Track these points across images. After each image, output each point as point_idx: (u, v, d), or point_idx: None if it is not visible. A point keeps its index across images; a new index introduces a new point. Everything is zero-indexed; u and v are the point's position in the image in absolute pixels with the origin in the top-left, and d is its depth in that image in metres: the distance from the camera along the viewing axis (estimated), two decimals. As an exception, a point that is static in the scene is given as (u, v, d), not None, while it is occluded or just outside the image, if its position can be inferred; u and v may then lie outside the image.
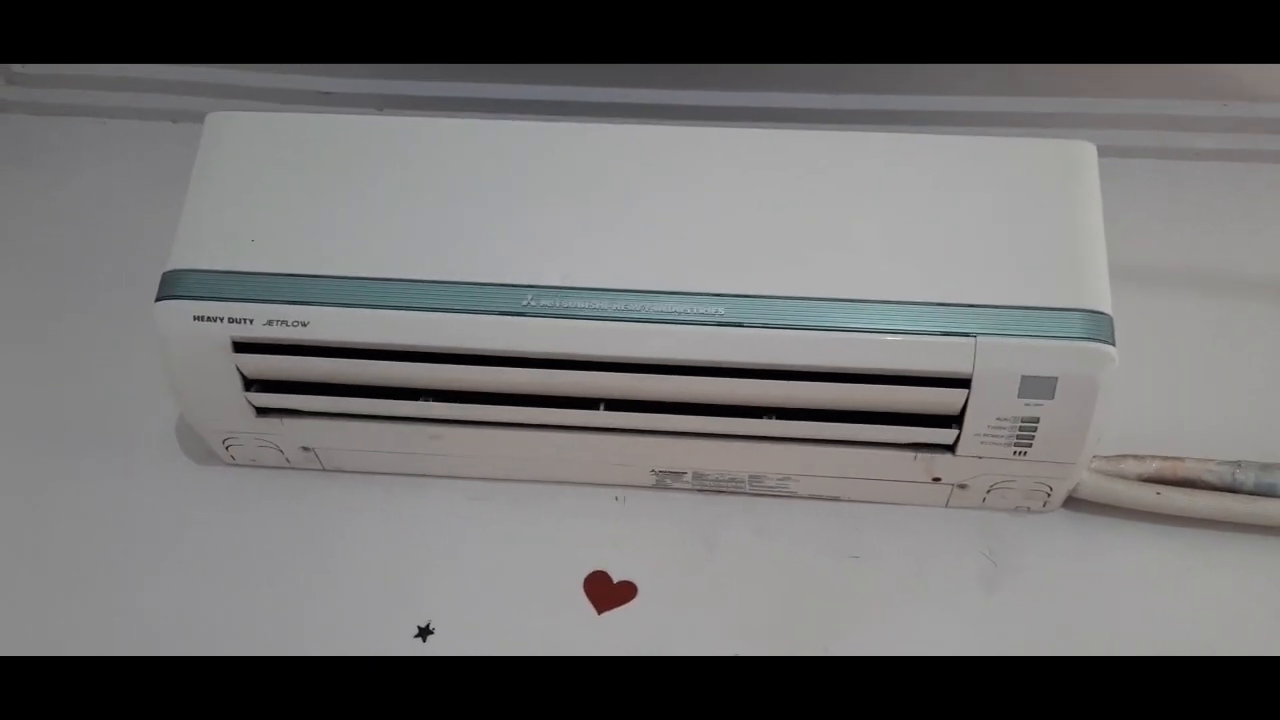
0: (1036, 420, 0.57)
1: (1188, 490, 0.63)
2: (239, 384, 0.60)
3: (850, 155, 0.61)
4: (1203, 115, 0.77)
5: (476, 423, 0.61)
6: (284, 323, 0.57)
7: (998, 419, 0.57)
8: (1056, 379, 0.55)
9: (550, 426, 0.61)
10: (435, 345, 0.58)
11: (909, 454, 0.60)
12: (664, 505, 0.66)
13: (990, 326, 0.55)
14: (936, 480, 0.62)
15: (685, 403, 0.59)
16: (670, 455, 0.63)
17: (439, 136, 0.62)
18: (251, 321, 0.57)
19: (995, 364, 0.55)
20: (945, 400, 0.57)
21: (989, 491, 0.63)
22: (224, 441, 0.65)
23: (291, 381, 0.60)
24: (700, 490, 0.66)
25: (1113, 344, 0.55)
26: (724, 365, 0.57)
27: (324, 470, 0.68)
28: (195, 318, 0.58)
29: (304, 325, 0.57)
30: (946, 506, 0.65)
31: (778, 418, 0.59)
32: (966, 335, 0.55)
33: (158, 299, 0.59)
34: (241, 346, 0.58)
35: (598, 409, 0.59)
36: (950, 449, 0.60)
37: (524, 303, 0.57)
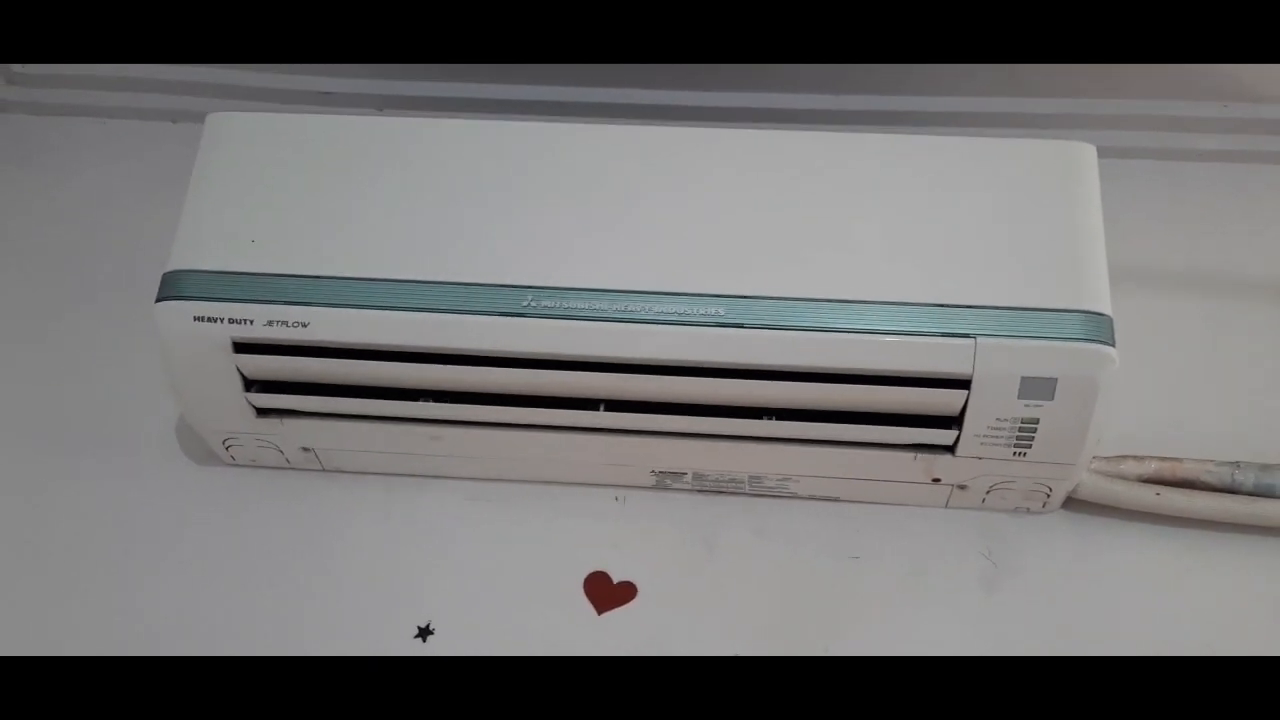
0: (1036, 421, 0.57)
1: (1187, 491, 0.63)
2: (239, 384, 0.60)
3: (850, 156, 0.61)
4: (1203, 116, 0.77)
5: (476, 423, 0.61)
6: (284, 323, 0.57)
7: (997, 420, 0.57)
8: (1056, 380, 0.55)
9: (550, 427, 0.61)
10: (435, 346, 0.58)
11: (909, 455, 0.60)
12: (664, 506, 0.66)
13: (990, 327, 0.55)
14: (936, 481, 0.63)
15: (685, 403, 0.59)
16: (670, 456, 0.63)
17: (439, 137, 0.62)
18: (252, 322, 0.57)
19: (995, 365, 0.55)
20: (945, 401, 0.57)
21: (988, 492, 0.63)
22: (224, 442, 0.65)
23: (292, 382, 0.60)
24: (700, 491, 0.66)
25: (1113, 345, 0.55)
26: (724, 366, 0.57)
27: (324, 470, 0.68)
28: (195, 318, 0.58)
29: (304, 326, 0.57)
30: (946, 507, 0.65)
31: (777, 418, 0.59)
32: (966, 336, 0.55)
33: (158, 299, 0.59)
34: (242, 347, 0.58)
35: (598, 409, 0.59)
36: (950, 450, 0.60)
37: (524, 303, 0.57)
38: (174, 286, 0.59)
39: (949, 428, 0.58)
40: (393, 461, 0.66)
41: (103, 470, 0.68)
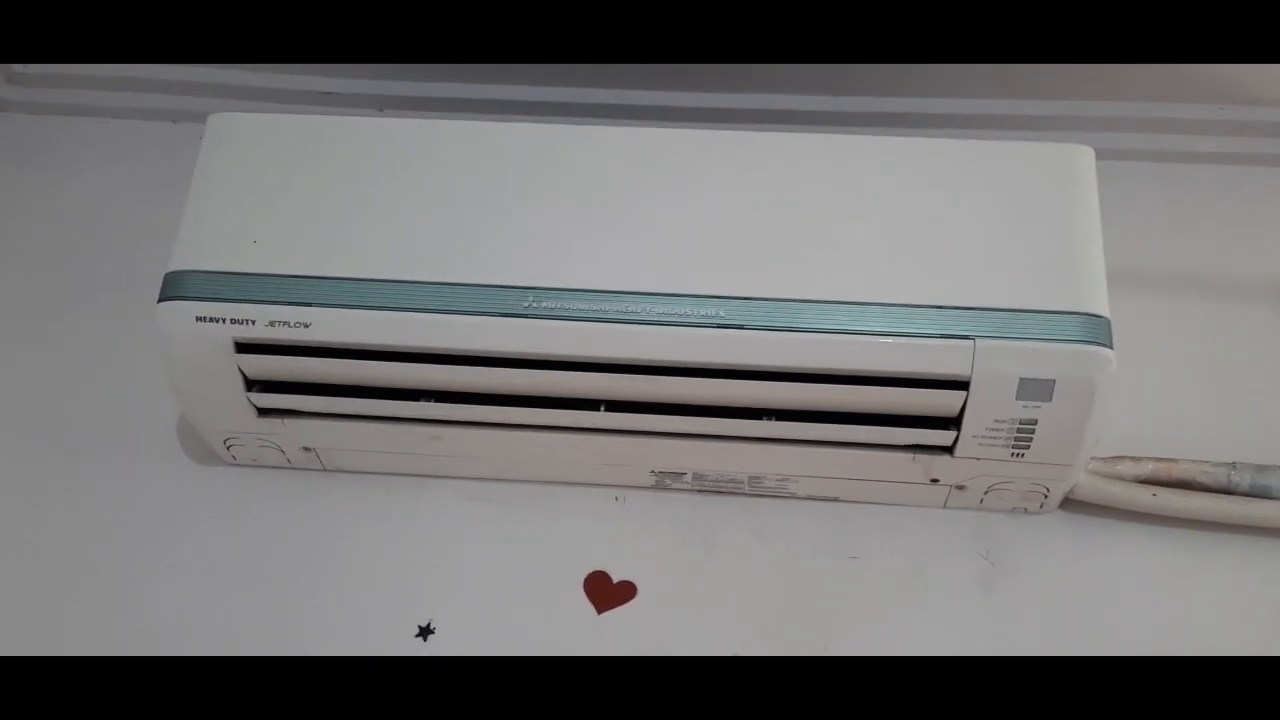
0: (1034, 422, 0.57)
1: (1183, 492, 0.63)
2: (241, 384, 0.60)
3: (849, 158, 0.61)
4: (1200, 119, 0.77)
5: (477, 423, 0.62)
6: (286, 324, 0.58)
7: (996, 421, 0.57)
8: (1054, 381, 0.56)
9: (550, 427, 0.61)
10: (436, 346, 0.58)
11: (907, 455, 0.61)
12: (663, 506, 0.66)
13: (989, 329, 0.56)
14: (935, 481, 0.63)
15: (685, 404, 0.59)
16: (670, 456, 0.63)
17: (440, 138, 0.62)
18: (253, 322, 0.58)
19: (993, 366, 0.56)
20: (944, 402, 0.57)
21: (987, 493, 0.63)
22: (225, 442, 0.65)
23: (293, 382, 0.61)
24: (699, 491, 0.67)
25: (1110, 347, 0.56)
26: (724, 367, 0.57)
27: (325, 470, 0.68)
28: (197, 318, 0.58)
29: (306, 326, 0.58)
30: (944, 507, 0.66)
31: (777, 419, 0.59)
32: (965, 338, 0.56)
33: (160, 300, 0.59)
34: (243, 347, 0.58)
35: (598, 410, 0.60)
36: (948, 450, 0.60)
37: (525, 304, 0.57)
38: (176, 287, 0.59)
39: (947, 429, 0.58)
40: (393, 461, 0.66)
41: (103, 470, 0.68)
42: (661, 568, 0.64)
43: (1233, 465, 0.63)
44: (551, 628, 0.63)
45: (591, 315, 0.57)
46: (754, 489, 0.66)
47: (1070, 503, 0.65)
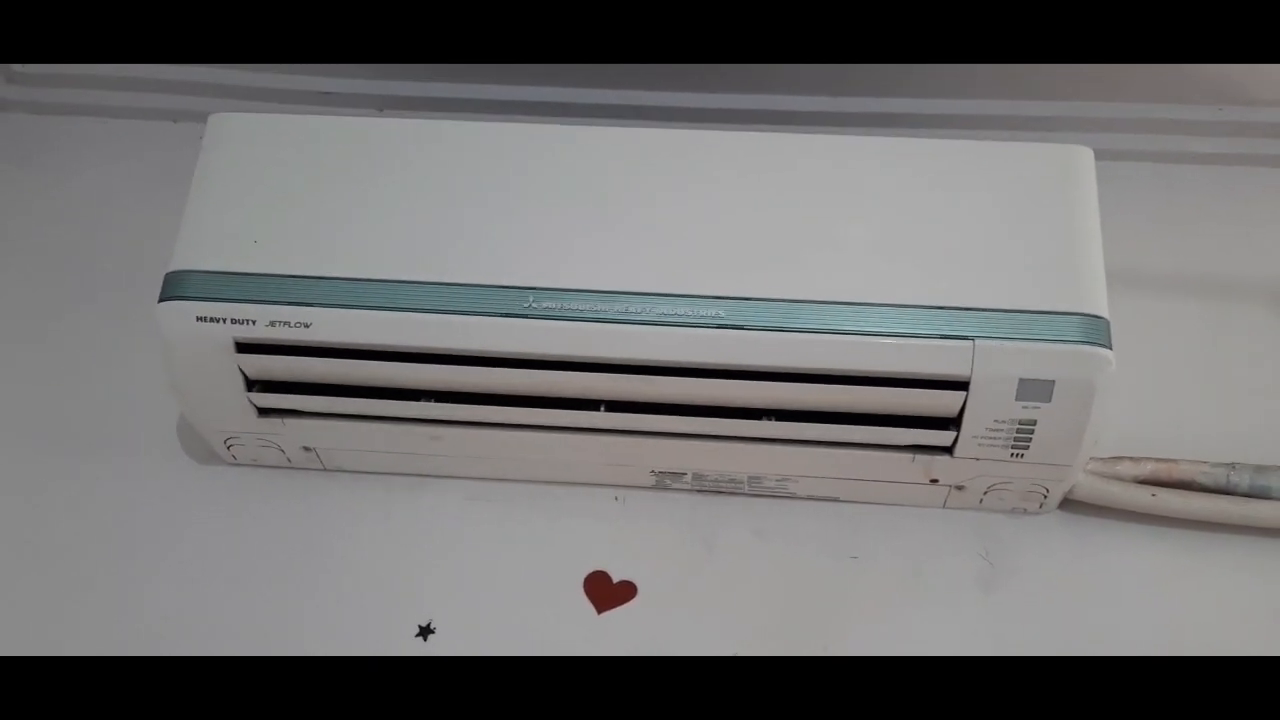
0: (1034, 423, 0.57)
1: (1183, 492, 0.63)
2: (241, 384, 0.60)
3: (849, 159, 0.61)
4: (1199, 119, 0.77)
5: (477, 424, 0.62)
6: (286, 324, 0.58)
7: (995, 421, 0.58)
8: (1054, 382, 0.56)
9: (551, 427, 0.61)
10: (437, 346, 0.58)
11: (907, 456, 0.61)
12: (664, 506, 0.66)
13: (988, 330, 0.56)
14: (934, 482, 0.63)
15: (685, 404, 0.59)
16: (670, 456, 0.64)
17: (441, 138, 0.62)
18: (254, 322, 0.58)
19: (993, 367, 0.56)
20: (943, 403, 0.57)
21: (986, 493, 0.64)
22: (225, 441, 0.65)
23: (293, 382, 0.61)
24: (700, 491, 0.67)
25: (1109, 347, 0.56)
26: (724, 367, 0.57)
27: (325, 470, 0.68)
28: (198, 318, 0.58)
29: (306, 326, 0.58)
30: (944, 507, 0.66)
31: (777, 419, 0.59)
32: (965, 338, 0.56)
33: (161, 300, 0.59)
34: (244, 347, 0.58)
35: (598, 410, 0.60)
36: (948, 451, 0.60)
37: (525, 304, 0.57)
38: (176, 287, 0.59)
39: (947, 429, 0.58)
40: (394, 461, 0.66)
41: (103, 470, 0.68)
42: (661, 568, 0.65)
43: (1232, 466, 0.63)
44: (551, 628, 0.63)
45: (591, 315, 0.57)
46: (754, 489, 0.66)
47: (1069, 503, 0.65)
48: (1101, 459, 0.64)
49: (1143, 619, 0.62)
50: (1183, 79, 0.75)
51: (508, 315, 0.57)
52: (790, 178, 0.60)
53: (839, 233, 0.59)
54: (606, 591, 0.64)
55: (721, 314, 0.57)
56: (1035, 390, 0.56)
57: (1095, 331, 0.56)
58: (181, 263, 0.59)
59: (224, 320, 0.58)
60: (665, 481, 0.66)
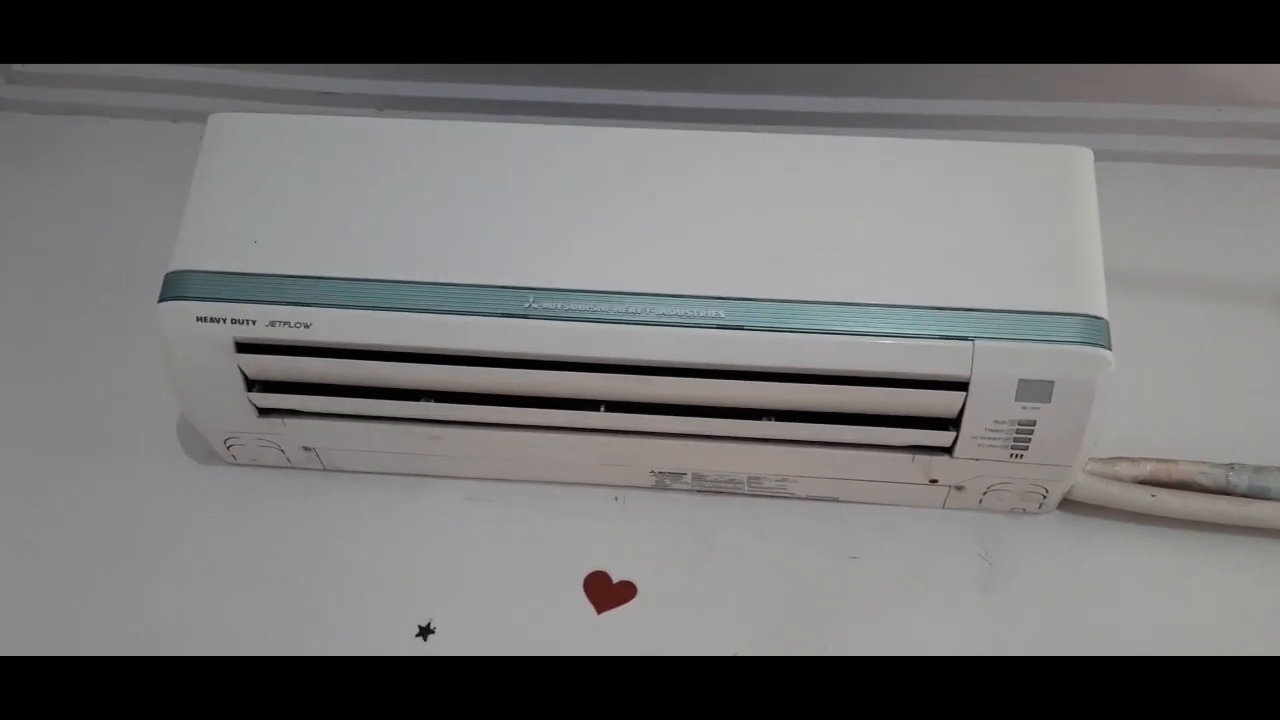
0: (1033, 423, 0.57)
1: (1182, 493, 0.63)
2: (241, 384, 0.60)
3: (849, 159, 0.61)
4: (1199, 120, 0.77)
5: (477, 424, 0.62)
6: (286, 324, 0.58)
7: (995, 422, 0.58)
8: (1053, 383, 0.56)
9: (551, 428, 0.61)
10: (437, 347, 0.58)
11: (907, 456, 0.61)
12: (663, 506, 0.66)
13: (988, 330, 0.56)
14: (934, 482, 0.63)
15: (684, 404, 0.59)
16: (670, 456, 0.64)
17: (441, 138, 0.62)
18: (254, 322, 0.58)
19: (993, 367, 0.56)
20: (943, 403, 0.57)
21: (985, 493, 0.64)
22: (225, 441, 0.66)
23: (293, 382, 0.61)
24: (699, 491, 0.67)
25: (1109, 348, 0.56)
26: (724, 368, 0.57)
27: (325, 470, 0.68)
28: (198, 319, 0.58)
29: (306, 326, 0.58)
30: (943, 508, 0.66)
31: (777, 420, 0.59)
32: (964, 339, 0.56)
33: (161, 300, 0.59)
34: (244, 347, 0.58)
35: (598, 410, 0.60)
36: (948, 451, 0.60)
37: (525, 305, 0.57)
38: (177, 287, 0.59)
39: (947, 429, 0.59)
40: (393, 461, 0.66)
41: (103, 470, 0.68)
42: (661, 568, 0.65)
43: (1231, 466, 0.63)
44: (551, 628, 0.63)
45: (591, 316, 0.57)
46: (754, 489, 0.66)
47: (1069, 503, 0.65)
48: (1101, 459, 0.64)
49: (1142, 619, 0.62)
50: (1183, 79, 0.75)
51: (507, 315, 0.57)
52: (790, 178, 0.60)
53: (839, 233, 0.59)
54: (606, 591, 0.64)
55: (721, 314, 0.57)
56: (1035, 391, 0.56)
57: (1095, 332, 0.56)
58: (181, 263, 0.59)
59: (224, 320, 0.58)
60: (665, 482, 0.66)
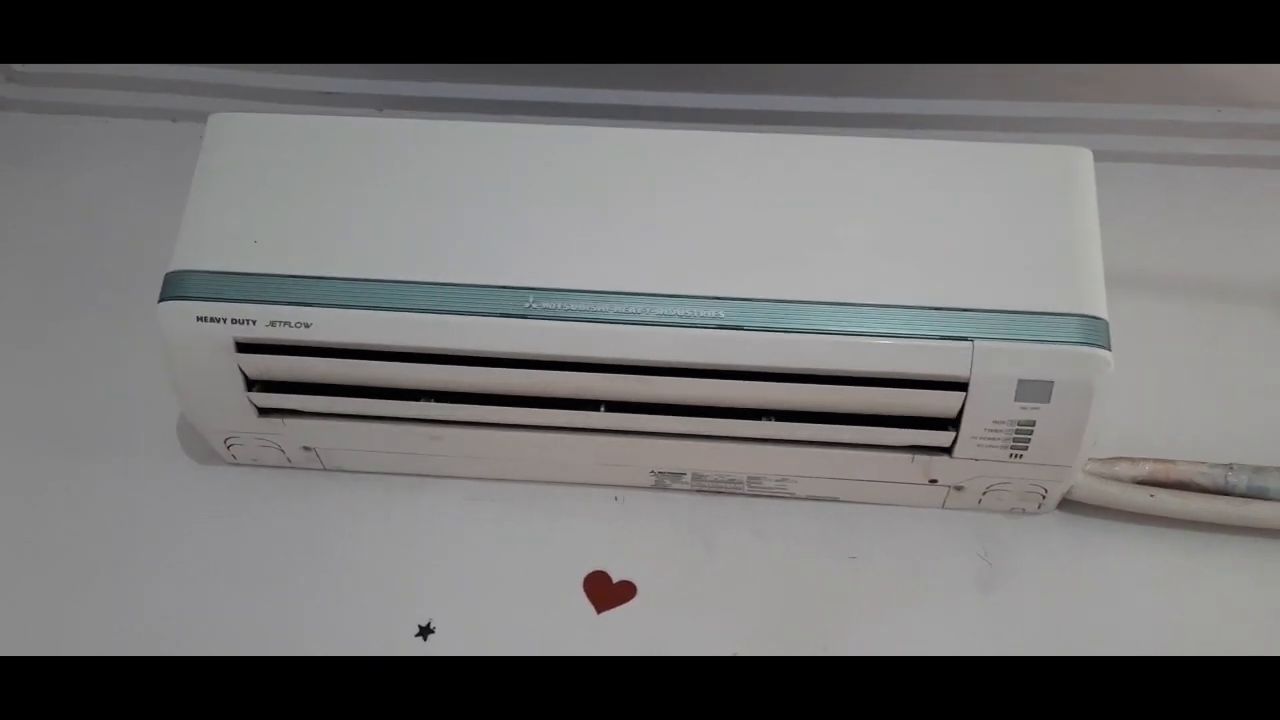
0: (1033, 423, 0.57)
1: (1181, 493, 0.63)
2: (241, 384, 0.60)
3: (849, 160, 0.61)
4: (1198, 121, 0.77)
5: (477, 424, 0.62)
6: (286, 324, 0.58)
7: (994, 422, 0.58)
8: (1053, 383, 0.56)
9: (551, 428, 0.61)
10: (437, 347, 0.58)
11: (906, 456, 0.61)
12: (663, 506, 0.66)
13: (987, 331, 0.56)
14: (933, 482, 0.63)
15: (684, 404, 0.59)
16: (669, 456, 0.64)
17: (441, 138, 0.62)
18: (254, 322, 0.58)
19: (992, 368, 0.56)
20: (942, 403, 0.57)
21: (985, 493, 0.64)
22: (225, 441, 0.66)
23: (294, 382, 0.61)
24: (699, 491, 0.67)
25: (1108, 348, 0.56)
26: (723, 368, 0.57)
27: (325, 470, 0.68)
28: (198, 318, 0.58)
29: (306, 326, 0.58)
30: (943, 508, 0.66)
31: (776, 420, 0.59)
32: (964, 339, 0.56)
33: (161, 299, 0.59)
34: (244, 347, 0.59)
35: (598, 410, 0.60)
36: (947, 451, 0.60)
37: (525, 305, 0.57)
38: (177, 287, 0.59)
39: (946, 430, 0.59)
40: (393, 461, 0.67)
41: (104, 470, 0.68)
42: (661, 568, 0.65)
43: (1230, 466, 0.63)
44: (551, 628, 0.63)
45: (591, 316, 0.57)
46: (753, 489, 0.66)
47: (1068, 503, 0.65)
48: (1100, 459, 0.64)
49: (1141, 619, 0.62)
50: (1183, 80, 0.75)
51: (507, 315, 0.57)
52: (790, 178, 0.60)
53: (838, 233, 0.59)
54: (606, 591, 0.64)
55: (721, 314, 0.57)
56: (1034, 391, 0.56)
57: (1094, 332, 0.56)
58: (181, 263, 0.59)
59: (224, 320, 0.58)
60: (665, 481, 0.66)
